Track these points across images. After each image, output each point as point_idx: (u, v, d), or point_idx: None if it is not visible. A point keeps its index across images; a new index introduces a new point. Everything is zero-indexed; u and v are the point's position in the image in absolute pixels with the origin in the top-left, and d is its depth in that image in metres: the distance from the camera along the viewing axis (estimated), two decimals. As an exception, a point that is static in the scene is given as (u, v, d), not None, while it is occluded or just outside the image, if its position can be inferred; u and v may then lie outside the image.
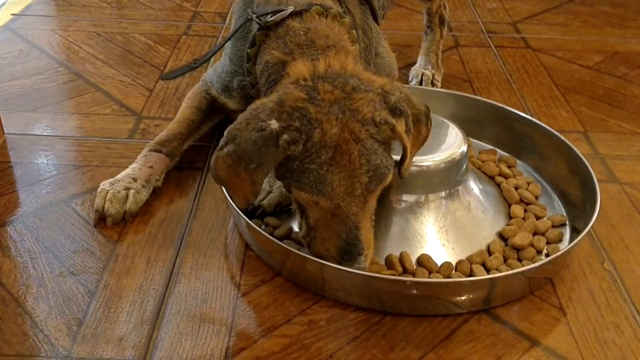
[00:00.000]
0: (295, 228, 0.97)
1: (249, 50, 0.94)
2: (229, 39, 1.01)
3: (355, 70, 0.84)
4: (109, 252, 0.94)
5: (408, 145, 0.82)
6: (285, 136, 0.77)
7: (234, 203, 0.86)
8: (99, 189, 0.99)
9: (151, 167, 1.02)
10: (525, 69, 1.52)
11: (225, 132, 0.80)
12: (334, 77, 0.81)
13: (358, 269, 0.81)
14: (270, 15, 0.90)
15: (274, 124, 0.78)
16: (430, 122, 0.88)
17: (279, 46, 0.88)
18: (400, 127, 0.81)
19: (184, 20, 1.73)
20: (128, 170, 1.02)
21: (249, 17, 0.94)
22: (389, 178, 0.82)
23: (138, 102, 1.33)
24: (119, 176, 1.01)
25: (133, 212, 0.98)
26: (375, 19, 1.09)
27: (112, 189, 0.98)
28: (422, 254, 0.91)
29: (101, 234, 0.97)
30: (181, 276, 0.90)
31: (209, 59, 1.02)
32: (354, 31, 0.94)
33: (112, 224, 0.97)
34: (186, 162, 1.12)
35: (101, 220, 0.98)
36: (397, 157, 0.85)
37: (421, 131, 0.86)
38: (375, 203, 0.85)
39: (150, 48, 1.57)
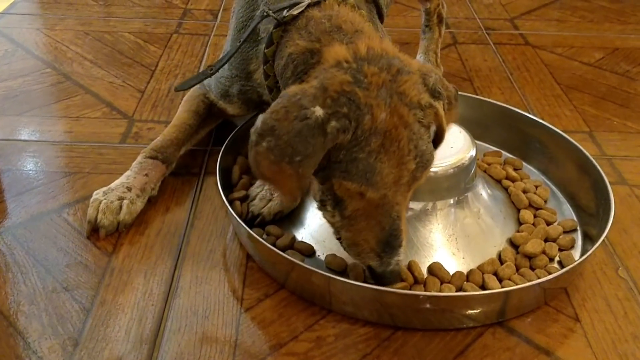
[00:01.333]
0: (299, 237, 0.93)
1: (266, 51, 0.87)
2: (244, 41, 0.93)
3: (394, 50, 0.79)
4: (104, 266, 0.89)
5: (446, 128, 0.79)
6: (333, 123, 0.71)
7: (282, 199, 0.80)
8: (91, 199, 0.95)
9: (146, 175, 0.98)
10: (525, 67, 1.49)
11: (259, 123, 0.72)
12: (377, 59, 0.75)
13: (397, 262, 0.77)
14: (286, 10, 0.85)
15: (319, 111, 0.71)
16: (458, 103, 0.84)
17: (303, 36, 0.82)
18: (441, 110, 0.78)
19: (174, 18, 1.68)
20: (122, 179, 0.98)
21: (265, 13, 0.87)
22: (431, 165, 0.78)
23: (129, 105, 1.28)
24: (112, 185, 0.97)
25: (127, 223, 0.94)
26: (381, 17, 1.05)
27: (105, 198, 0.93)
28: (434, 263, 0.87)
29: (95, 246, 0.93)
30: (180, 290, 0.86)
31: (225, 63, 0.96)
32: (371, 24, 0.89)
33: (105, 236, 0.93)
34: (182, 168, 1.08)
35: (94, 231, 0.94)
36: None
37: (452, 113, 0.82)
38: (410, 197, 0.80)
39: (140, 47, 1.52)
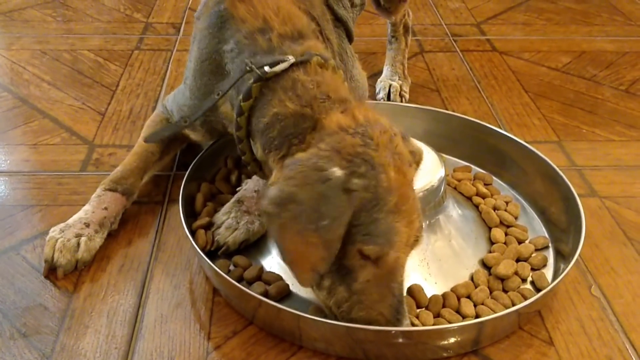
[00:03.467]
0: (267, 266, 0.91)
1: (243, 104, 0.83)
2: (225, 92, 0.88)
3: (379, 117, 0.79)
4: (64, 307, 0.86)
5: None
6: (356, 180, 0.70)
7: (299, 282, 0.75)
8: (47, 237, 0.91)
9: (105, 208, 0.94)
10: (493, 74, 1.48)
11: (275, 193, 0.70)
12: (374, 123, 0.76)
13: (407, 325, 0.76)
14: (268, 67, 0.82)
15: (338, 172, 0.70)
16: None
17: (291, 98, 0.80)
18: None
19: (135, 33, 1.64)
20: (80, 214, 0.94)
21: (248, 68, 0.83)
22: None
23: (89, 129, 1.24)
24: (70, 221, 0.93)
25: (86, 260, 0.91)
26: (350, 38, 1.03)
27: (61, 236, 0.90)
28: (414, 285, 0.86)
29: (55, 285, 0.89)
30: (145, 331, 0.83)
31: (202, 115, 0.93)
32: (347, 84, 0.88)
33: (63, 276, 0.89)
34: (144, 196, 1.05)
35: (52, 271, 0.90)
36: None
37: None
38: None
39: (100, 66, 1.47)
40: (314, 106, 0.79)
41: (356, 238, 0.71)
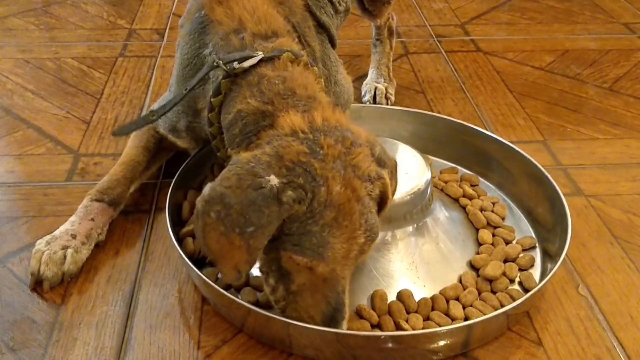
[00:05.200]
0: (255, 271, 0.90)
1: (213, 100, 0.84)
2: (192, 88, 0.88)
3: (346, 122, 0.78)
4: (52, 320, 0.85)
5: (391, 197, 0.78)
6: (289, 192, 0.69)
7: (223, 277, 0.76)
8: (33, 250, 0.90)
9: (92, 219, 0.94)
10: (477, 75, 1.48)
11: (207, 190, 0.70)
12: (332, 131, 0.74)
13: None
14: (237, 62, 0.82)
15: (274, 180, 0.69)
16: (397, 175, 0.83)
17: (254, 94, 0.79)
18: (387, 179, 0.77)
19: (119, 40, 1.63)
20: (67, 225, 0.93)
21: (215, 63, 0.83)
22: (378, 238, 0.77)
23: (75, 138, 1.24)
24: (56, 232, 0.92)
25: (72, 273, 0.90)
26: (333, 44, 1.03)
27: (47, 249, 0.89)
28: (404, 290, 0.86)
29: (42, 298, 0.89)
30: (134, 342, 0.83)
31: (168, 111, 0.92)
32: (322, 81, 0.87)
33: (49, 288, 0.89)
34: (131, 205, 1.04)
35: (38, 283, 0.89)
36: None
37: (393, 184, 0.81)
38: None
39: (84, 74, 1.47)
40: (276, 103, 0.78)
41: (287, 246, 0.71)
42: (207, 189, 0.71)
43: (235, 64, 0.81)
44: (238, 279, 0.73)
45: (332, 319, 0.74)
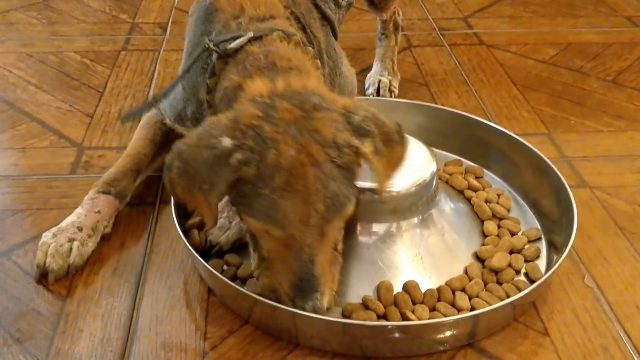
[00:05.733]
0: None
1: (208, 81, 0.86)
2: (187, 70, 0.91)
3: (317, 88, 0.77)
4: (58, 312, 0.85)
5: (378, 167, 0.75)
6: (237, 155, 0.70)
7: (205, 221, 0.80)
8: (40, 242, 0.90)
9: (98, 212, 0.94)
10: (481, 68, 1.48)
11: (173, 147, 0.74)
12: (294, 95, 0.74)
13: (313, 307, 0.73)
14: (229, 43, 0.83)
15: (226, 142, 0.71)
16: (406, 139, 0.80)
17: (238, 71, 0.81)
18: (367, 148, 0.74)
19: (121, 33, 1.63)
20: (73, 217, 0.93)
21: (207, 45, 0.85)
22: (350, 209, 0.74)
23: (78, 131, 1.23)
24: (62, 224, 0.92)
25: (78, 265, 0.90)
26: (335, 36, 1.03)
27: (54, 241, 0.89)
28: (409, 281, 0.86)
29: (48, 290, 0.88)
30: (140, 333, 0.82)
31: (169, 93, 0.93)
32: (318, 61, 0.88)
33: (55, 281, 0.88)
34: (135, 197, 1.04)
35: (44, 276, 0.89)
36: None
37: (395, 151, 0.78)
38: (337, 236, 0.78)
39: (87, 68, 1.46)
40: (255, 76, 0.79)
41: (242, 209, 0.73)
42: (174, 146, 0.74)
43: (228, 45, 0.83)
44: (215, 224, 0.77)
45: (300, 289, 0.73)
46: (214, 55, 0.85)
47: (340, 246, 0.80)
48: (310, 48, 0.86)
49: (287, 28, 0.86)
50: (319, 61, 0.87)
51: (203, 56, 0.90)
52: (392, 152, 0.77)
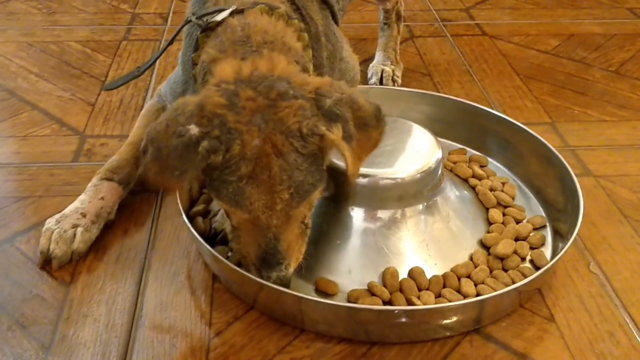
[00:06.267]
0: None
1: (192, 55, 0.86)
2: (171, 41, 0.93)
3: (286, 71, 0.76)
4: (62, 298, 0.85)
5: (346, 152, 0.73)
6: (205, 143, 0.70)
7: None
8: (44, 228, 0.89)
9: (102, 198, 0.93)
10: (484, 58, 1.48)
11: (146, 132, 0.74)
12: (259, 82, 0.73)
13: (277, 277, 0.75)
14: (212, 16, 0.83)
15: (194, 130, 0.71)
16: (383, 123, 0.78)
17: (216, 44, 0.81)
18: (336, 134, 0.72)
19: (122, 24, 1.62)
20: (76, 204, 0.93)
21: (188, 18, 0.86)
22: (316, 194, 0.75)
23: (80, 120, 1.23)
24: (66, 211, 0.92)
25: (81, 252, 0.89)
26: (336, 21, 1.02)
27: (57, 227, 0.88)
28: (415, 267, 0.85)
29: (51, 276, 0.88)
30: (145, 319, 0.82)
31: (152, 65, 0.94)
32: (305, 35, 0.87)
33: (58, 267, 0.88)
34: (138, 185, 1.03)
35: (47, 262, 0.89)
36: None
37: (370, 135, 0.76)
38: (305, 213, 0.78)
39: (88, 57, 1.46)
40: (229, 50, 0.79)
41: (210, 190, 0.75)
42: (147, 130, 0.74)
43: (210, 18, 0.82)
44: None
45: (265, 261, 0.75)
46: (198, 30, 0.85)
47: (308, 220, 0.80)
48: (295, 21, 0.85)
49: (273, 2, 0.85)
50: (306, 35, 0.86)
51: (190, 33, 0.90)
52: (365, 137, 0.75)
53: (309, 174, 0.73)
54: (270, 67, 0.75)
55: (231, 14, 0.83)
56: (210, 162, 0.71)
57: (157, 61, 1.44)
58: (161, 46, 1.50)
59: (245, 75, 0.74)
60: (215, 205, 0.95)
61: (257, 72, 0.74)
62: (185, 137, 0.70)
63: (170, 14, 1.67)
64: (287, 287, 0.76)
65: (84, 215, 0.91)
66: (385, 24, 1.36)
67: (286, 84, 0.73)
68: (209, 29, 0.83)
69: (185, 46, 0.95)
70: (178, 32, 0.90)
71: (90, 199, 0.93)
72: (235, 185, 0.71)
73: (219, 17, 0.82)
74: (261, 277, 0.76)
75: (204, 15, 0.84)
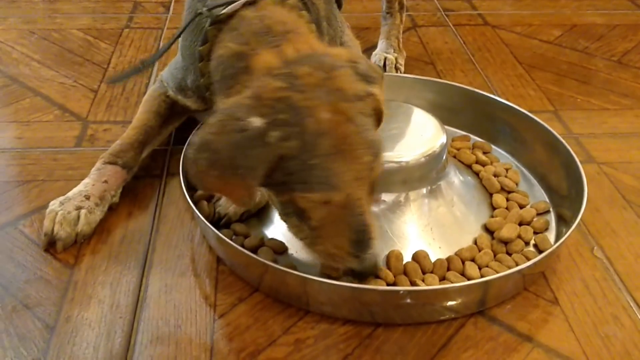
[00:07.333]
0: (269, 235, 0.90)
1: (200, 49, 0.84)
2: (178, 36, 0.91)
3: (323, 47, 0.77)
4: (66, 279, 0.85)
5: (383, 109, 0.76)
6: (274, 133, 0.67)
7: (235, 204, 0.78)
8: (47, 210, 0.89)
9: (105, 181, 0.93)
10: (486, 48, 1.48)
11: (196, 139, 0.70)
12: (308, 58, 0.73)
13: (371, 256, 0.73)
14: (222, 8, 0.82)
15: (258, 121, 0.67)
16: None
17: (233, 38, 0.80)
18: (379, 94, 0.75)
19: (124, 12, 1.62)
20: (80, 187, 0.93)
21: (198, 11, 0.85)
22: (382, 157, 0.75)
23: (83, 106, 1.23)
24: (69, 194, 0.92)
25: (86, 234, 0.89)
26: (339, 5, 1.02)
27: (61, 209, 0.88)
28: (419, 251, 0.85)
29: (55, 258, 0.88)
30: (149, 300, 0.82)
31: (157, 59, 0.93)
32: (313, 25, 0.87)
33: (63, 249, 0.88)
34: (142, 170, 1.03)
35: (51, 244, 0.89)
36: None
37: (382, 91, 0.79)
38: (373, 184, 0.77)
39: (90, 45, 1.45)
40: (252, 42, 0.77)
41: (295, 187, 0.70)
42: (195, 137, 0.71)
43: (220, 10, 0.81)
44: (248, 205, 0.76)
45: (360, 243, 0.72)
46: (207, 22, 0.83)
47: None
48: (305, 12, 0.85)
49: None
50: (314, 25, 0.85)
51: (196, 23, 0.89)
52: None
53: (374, 132, 0.73)
54: (309, 46, 0.75)
55: (243, 6, 0.81)
56: (284, 153, 0.68)
57: (160, 47, 1.44)
58: (163, 37, 1.50)
59: (291, 57, 0.73)
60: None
61: (300, 52, 0.74)
62: (248, 130, 0.67)
63: (172, 3, 1.67)
64: (377, 270, 0.76)
65: (87, 197, 0.91)
66: (387, 13, 1.36)
67: (329, 57, 0.74)
68: (218, 22, 0.82)
69: (190, 39, 0.93)
70: (186, 26, 0.88)
71: (94, 182, 0.93)
72: (322, 167, 0.68)
73: (229, 8, 0.81)
74: (359, 264, 0.74)
75: (214, 8, 0.83)
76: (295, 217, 0.74)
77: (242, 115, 0.68)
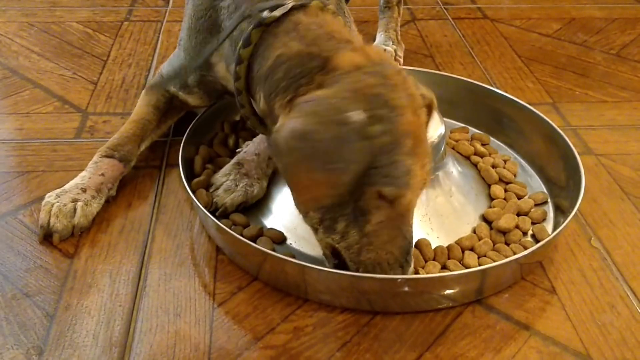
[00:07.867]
0: (268, 225, 0.90)
1: (242, 51, 0.81)
2: (222, 42, 0.88)
3: (389, 57, 0.80)
4: (66, 268, 0.85)
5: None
6: (377, 126, 0.67)
7: (296, 207, 0.75)
8: (43, 202, 0.89)
9: (102, 174, 0.93)
10: (485, 41, 1.48)
11: (289, 130, 0.67)
12: (388, 63, 0.74)
13: (411, 272, 0.76)
14: (267, 11, 0.80)
15: (361, 114, 0.67)
16: None
17: (294, 39, 0.77)
18: (434, 99, 0.80)
19: (123, 5, 1.62)
20: (77, 180, 0.93)
21: (246, 14, 0.83)
22: None
23: (82, 98, 1.23)
24: (66, 186, 0.92)
25: (83, 226, 0.89)
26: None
27: (57, 201, 0.88)
28: (421, 239, 0.86)
29: (55, 248, 0.88)
30: (149, 289, 0.83)
31: (196, 77, 0.96)
32: (348, 29, 0.88)
33: (59, 241, 0.88)
34: (141, 161, 1.03)
35: (48, 237, 0.89)
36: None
37: None
38: None
39: (89, 37, 1.45)
40: (320, 45, 0.76)
41: (376, 180, 0.69)
42: (286, 127, 0.68)
43: (266, 13, 0.80)
44: (311, 209, 0.73)
45: (408, 253, 0.74)
46: (247, 23, 0.82)
47: None
48: (340, 17, 0.85)
49: None
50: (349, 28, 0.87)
51: (208, 23, 0.89)
52: None
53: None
54: (383, 55, 0.77)
55: (290, 10, 0.80)
56: (380, 148, 0.68)
57: (159, 41, 1.44)
58: (162, 29, 1.50)
59: (376, 59, 0.74)
60: (217, 179, 0.95)
61: (380, 58, 0.75)
62: (352, 123, 0.67)
63: (172, -4, 1.67)
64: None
65: (84, 190, 0.91)
66: (386, 6, 1.36)
67: (397, 64, 0.77)
68: (265, 25, 0.80)
69: (199, 33, 0.92)
70: (232, 30, 0.85)
71: (91, 175, 0.93)
72: (404, 164, 0.69)
73: (278, 12, 0.80)
74: (404, 272, 0.75)
75: (260, 11, 0.81)
76: (347, 220, 0.72)
77: (343, 107, 0.68)
